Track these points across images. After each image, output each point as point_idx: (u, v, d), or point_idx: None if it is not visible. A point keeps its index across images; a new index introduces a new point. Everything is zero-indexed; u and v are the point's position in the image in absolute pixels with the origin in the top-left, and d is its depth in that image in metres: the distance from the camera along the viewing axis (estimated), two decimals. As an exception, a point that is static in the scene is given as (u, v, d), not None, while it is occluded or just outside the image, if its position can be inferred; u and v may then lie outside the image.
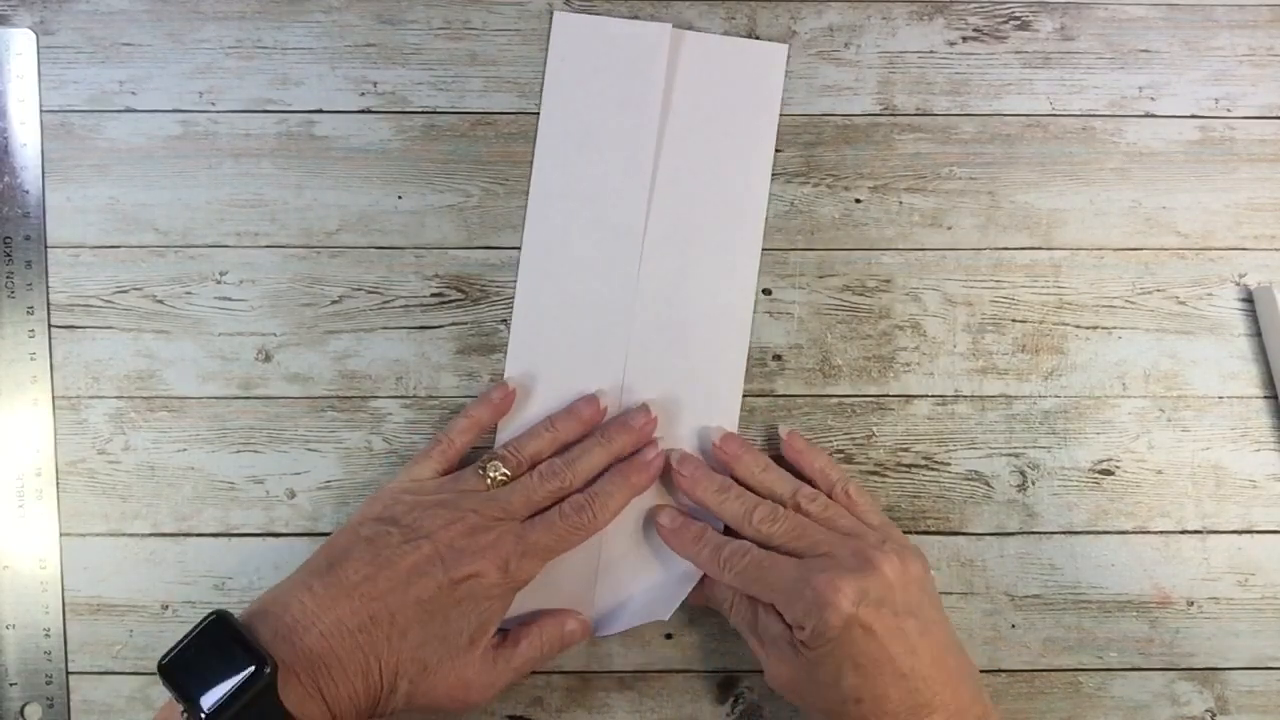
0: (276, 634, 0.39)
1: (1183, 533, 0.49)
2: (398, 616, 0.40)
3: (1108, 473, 0.49)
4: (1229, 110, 0.51)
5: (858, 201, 0.51)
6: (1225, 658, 0.48)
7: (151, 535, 0.48)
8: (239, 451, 0.49)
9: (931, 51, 0.52)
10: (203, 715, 0.37)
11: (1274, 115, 0.52)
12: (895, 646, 0.40)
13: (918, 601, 0.42)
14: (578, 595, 0.48)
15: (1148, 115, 0.51)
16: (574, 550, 0.46)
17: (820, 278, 0.50)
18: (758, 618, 0.44)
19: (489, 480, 0.45)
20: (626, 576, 0.48)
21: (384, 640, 0.40)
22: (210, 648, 0.38)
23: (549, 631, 0.45)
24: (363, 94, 0.50)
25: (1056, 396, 0.50)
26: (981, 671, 0.48)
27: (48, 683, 0.47)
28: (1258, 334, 0.50)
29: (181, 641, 0.38)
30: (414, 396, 0.49)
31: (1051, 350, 0.50)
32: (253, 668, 0.37)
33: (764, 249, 0.50)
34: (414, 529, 0.42)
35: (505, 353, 0.49)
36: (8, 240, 0.49)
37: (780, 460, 0.48)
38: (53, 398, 0.49)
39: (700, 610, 0.48)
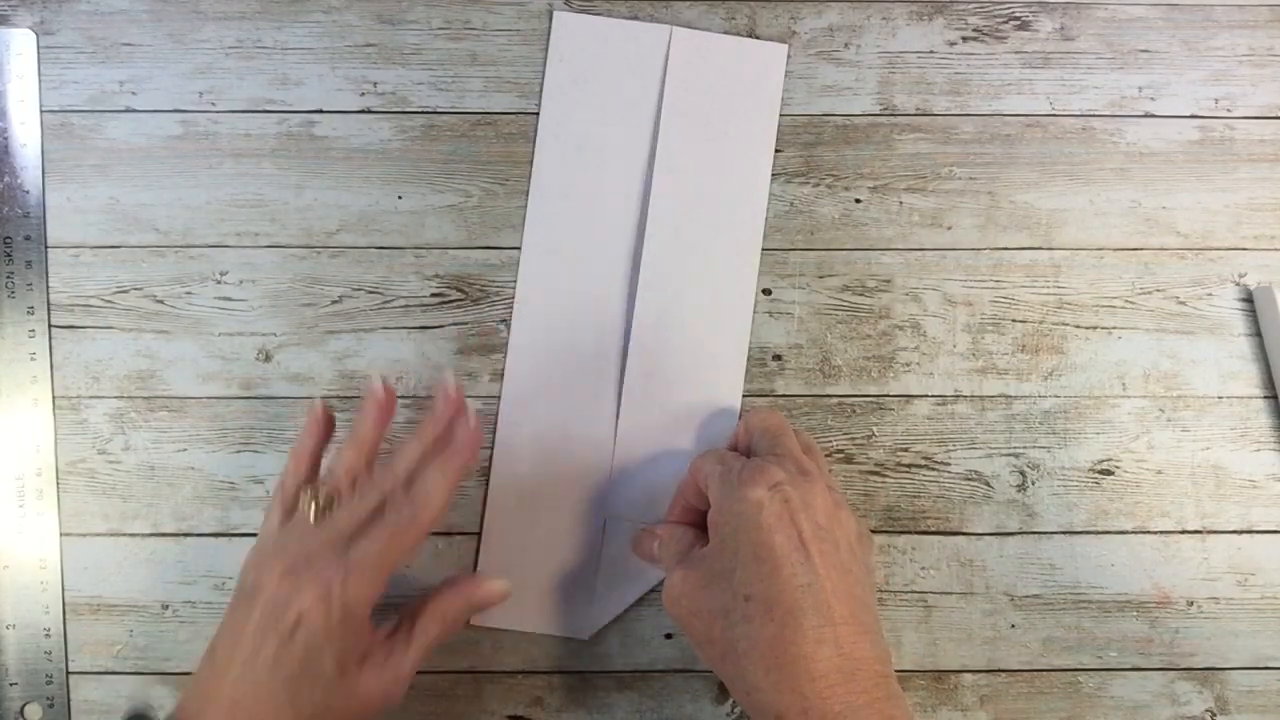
0: None
1: (1183, 533, 0.49)
2: (261, 688, 0.39)
3: (1108, 473, 0.49)
4: (1229, 110, 0.51)
5: (858, 201, 0.51)
6: (1225, 658, 0.48)
7: (151, 535, 0.48)
8: (239, 451, 0.49)
9: (931, 51, 0.52)
10: None
11: (1274, 115, 0.52)
12: (806, 552, 0.37)
13: (843, 544, 0.39)
14: (580, 588, 0.48)
15: (1148, 115, 0.51)
16: (574, 548, 0.46)
17: (820, 278, 0.50)
18: (690, 547, 0.42)
19: (311, 509, 0.42)
20: (626, 581, 0.48)
21: (261, 714, 0.39)
22: None
23: (447, 605, 0.43)
24: (363, 94, 0.50)
25: (1056, 396, 0.50)
26: (981, 671, 0.48)
27: (48, 682, 0.47)
28: (1258, 334, 0.50)
29: None
30: (414, 396, 0.49)
31: (1051, 350, 0.50)
32: None
33: (764, 249, 0.50)
34: (252, 588, 0.40)
35: (505, 353, 0.49)
36: (8, 240, 0.49)
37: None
38: (53, 398, 0.49)
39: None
